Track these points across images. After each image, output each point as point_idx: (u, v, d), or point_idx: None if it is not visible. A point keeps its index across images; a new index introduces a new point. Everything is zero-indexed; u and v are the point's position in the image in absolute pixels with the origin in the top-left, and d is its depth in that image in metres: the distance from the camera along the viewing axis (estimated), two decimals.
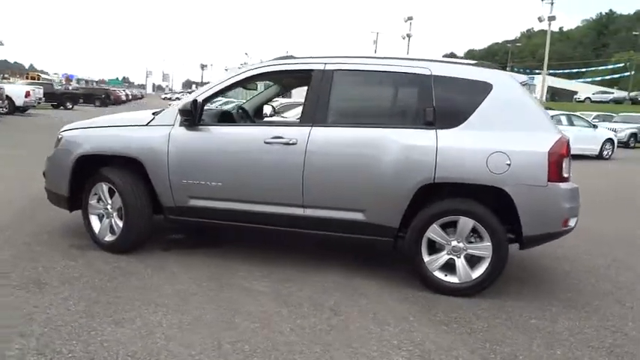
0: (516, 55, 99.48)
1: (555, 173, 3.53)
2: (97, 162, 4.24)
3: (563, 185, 3.57)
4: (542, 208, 3.56)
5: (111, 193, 4.21)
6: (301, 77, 4.18)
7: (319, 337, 2.99)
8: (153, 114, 4.28)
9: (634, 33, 64.65)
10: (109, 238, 4.26)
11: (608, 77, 62.11)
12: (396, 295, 3.67)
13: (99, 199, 4.31)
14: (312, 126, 3.84)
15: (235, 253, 4.38)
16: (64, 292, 3.38)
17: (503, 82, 3.75)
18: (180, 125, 4.05)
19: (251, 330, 3.01)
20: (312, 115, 3.88)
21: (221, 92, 4.17)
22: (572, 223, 3.66)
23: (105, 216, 4.29)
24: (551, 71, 68.93)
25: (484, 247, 3.64)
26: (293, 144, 3.81)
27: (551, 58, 78.78)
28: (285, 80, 5.01)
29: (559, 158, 3.54)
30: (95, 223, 4.35)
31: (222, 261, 4.16)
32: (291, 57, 4.17)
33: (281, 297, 3.54)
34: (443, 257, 3.73)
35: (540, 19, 42.63)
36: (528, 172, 3.53)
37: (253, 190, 3.95)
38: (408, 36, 47.51)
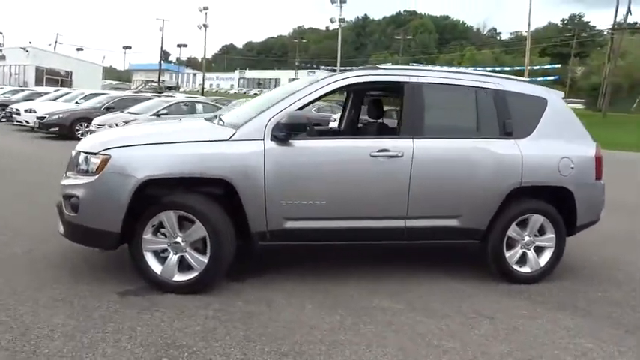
0: (290, 49, 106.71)
1: (599, 173, 4.37)
2: (159, 187, 3.48)
3: (601, 182, 4.43)
4: (591, 202, 4.36)
5: (180, 223, 3.52)
6: (389, 88, 4.13)
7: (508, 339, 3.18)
8: (218, 123, 3.68)
9: (397, 37, 75.35)
10: (180, 276, 3.55)
11: None
12: (504, 290, 4.02)
13: (156, 232, 3.54)
14: (413, 138, 3.89)
15: (312, 272, 4.11)
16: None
17: (553, 97, 4.42)
18: (271, 140, 3.61)
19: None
20: (411, 127, 3.92)
21: (311, 103, 3.84)
22: (603, 213, 4.56)
23: (171, 251, 3.55)
24: (330, 67, 76.30)
25: (549, 239, 4.27)
26: (399, 157, 3.81)
27: (323, 54, 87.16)
28: (367, 91, 4.80)
29: (599, 161, 4.38)
30: (152, 261, 3.56)
31: (316, 283, 3.88)
32: (377, 67, 4.09)
33: (426, 310, 3.54)
34: (518, 251, 4.24)
35: (332, 20, 46.96)
36: (584, 174, 4.28)
37: (359, 205, 3.80)
38: (205, 26, 46.59)
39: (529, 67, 53.41)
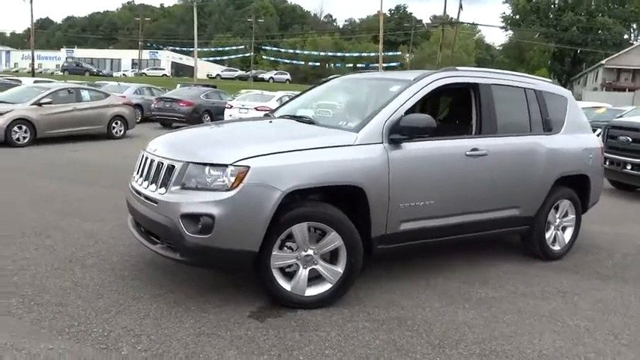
0: (121, 26, 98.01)
1: (603, 160, 5.17)
2: (295, 199, 3.22)
3: (602, 169, 5.25)
4: (597, 186, 5.14)
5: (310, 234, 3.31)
6: (465, 89, 4.27)
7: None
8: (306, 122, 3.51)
9: (248, 20, 73.67)
10: (313, 291, 3.35)
11: (233, 57, 69.84)
12: (547, 267, 4.55)
13: (282, 245, 3.28)
14: (489, 136, 4.17)
15: (405, 270, 4.16)
16: None
17: (569, 94, 5.07)
18: (389, 143, 3.57)
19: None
20: (487, 126, 4.19)
21: (415, 105, 3.84)
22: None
23: (300, 265, 3.32)
24: (171, 48, 72.19)
25: (570, 220, 4.97)
26: (485, 155, 4.06)
27: (156, 33, 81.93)
28: (446, 92, 4.73)
29: (603, 150, 5.19)
30: (280, 278, 3.30)
31: (419, 279, 3.95)
32: (455, 69, 4.22)
33: (524, 295, 3.88)
34: (553, 232, 4.85)
35: None
36: (597, 162, 5.04)
37: (459, 203, 3.97)
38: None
39: (373, 54, 57.70)
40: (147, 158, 3.58)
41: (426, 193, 3.75)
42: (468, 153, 3.97)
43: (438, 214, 3.88)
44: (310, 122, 3.92)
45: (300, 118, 4.08)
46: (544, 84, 4.86)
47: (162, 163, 3.31)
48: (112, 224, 5.05)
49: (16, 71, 52.89)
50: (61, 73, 52.92)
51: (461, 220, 4.03)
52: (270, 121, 4.13)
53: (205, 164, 3.10)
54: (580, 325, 3.39)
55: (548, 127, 4.66)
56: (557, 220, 4.85)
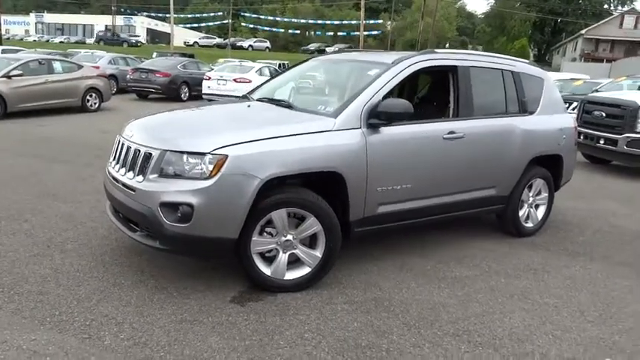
0: None
1: (576, 140, 5.29)
2: (274, 185, 3.24)
3: (575, 148, 5.37)
4: (570, 164, 5.28)
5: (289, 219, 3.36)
6: (443, 72, 4.28)
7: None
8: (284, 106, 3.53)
9: None
10: (292, 275, 3.42)
11: (211, 24, 68.00)
12: (520, 244, 4.71)
13: (262, 231, 3.32)
14: (467, 119, 4.22)
15: (378, 251, 4.25)
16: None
17: (545, 75, 5.13)
18: (367, 128, 3.59)
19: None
20: (464, 109, 4.24)
21: (392, 90, 3.84)
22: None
23: (280, 250, 3.37)
24: (146, 14, 69.95)
25: (543, 198, 5.11)
26: (462, 137, 4.12)
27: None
28: (424, 75, 4.71)
29: (576, 129, 5.30)
30: (260, 263, 3.35)
31: (393, 260, 4.06)
32: (434, 52, 4.22)
33: (498, 273, 4.02)
34: (526, 210, 4.98)
35: None
36: (570, 142, 5.16)
37: (436, 185, 4.05)
38: None
39: (354, 22, 56.82)
40: (123, 144, 3.54)
41: (404, 177, 3.82)
42: (445, 136, 4.02)
43: (416, 197, 3.95)
44: (289, 106, 3.91)
45: (278, 102, 4.07)
46: (522, 65, 4.91)
47: (139, 151, 3.29)
48: (90, 206, 5.02)
49: None
50: (35, 39, 50.85)
51: (438, 201, 4.12)
52: (249, 105, 4.10)
53: (183, 152, 3.09)
54: (549, 303, 3.54)
55: (524, 108, 4.74)
56: (531, 199, 4.99)
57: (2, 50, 19.51)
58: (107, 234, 4.29)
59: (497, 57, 4.77)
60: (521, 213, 4.90)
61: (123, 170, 3.42)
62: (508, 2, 62.59)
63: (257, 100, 4.31)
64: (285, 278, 3.41)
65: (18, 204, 4.98)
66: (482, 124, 4.35)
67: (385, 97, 3.71)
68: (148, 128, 3.57)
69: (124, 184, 3.35)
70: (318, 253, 3.44)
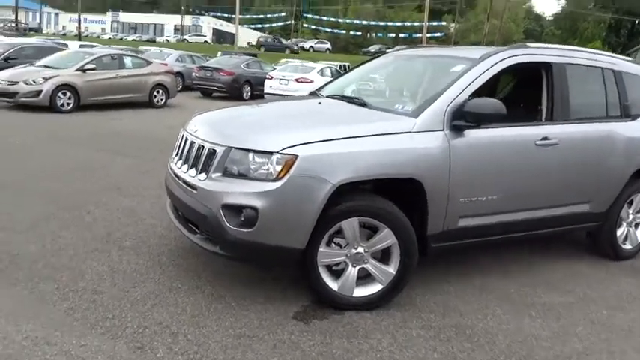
0: None
1: None
2: (346, 192, 2.91)
3: None
4: None
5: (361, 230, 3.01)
6: (535, 69, 3.81)
7: None
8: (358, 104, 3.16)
9: None
10: (361, 291, 3.07)
11: (274, 25, 69.05)
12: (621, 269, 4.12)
13: (330, 241, 2.99)
14: (562, 123, 3.72)
15: (456, 271, 3.83)
16: None
17: None
18: (451, 130, 3.19)
19: None
20: (559, 112, 3.73)
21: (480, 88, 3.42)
22: None
23: (349, 263, 3.03)
24: (212, 14, 71.92)
25: None
26: (556, 144, 3.62)
27: None
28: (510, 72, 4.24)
29: None
30: (326, 276, 3.03)
31: (471, 280, 3.63)
32: (527, 46, 3.75)
33: (595, 301, 3.50)
34: (624, 230, 4.37)
35: None
36: None
37: (524, 198, 3.58)
38: None
39: (416, 24, 55.72)
40: (187, 139, 3.33)
41: (490, 187, 3.38)
42: (537, 142, 3.54)
43: (501, 210, 3.50)
44: (362, 104, 3.56)
45: (351, 99, 3.72)
46: (625, 64, 4.30)
47: (203, 147, 3.05)
48: (151, 201, 4.90)
49: (64, 34, 53.80)
50: (110, 37, 52.97)
51: (525, 216, 3.64)
52: (320, 102, 3.79)
53: (249, 150, 2.82)
54: None
55: (627, 112, 4.14)
56: (631, 217, 4.37)
57: (80, 47, 20.44)
58: (166, 232, 4.12)
59: (597, 53, 4.21)
60: (618, 232, 4.30)
61: (185, 167, 3.20)
62: (581, 2, 59.17)
63: (327, 97, 3.99)
64: (354, 295, 3.06)
65: (83, 195, 4.95)
66: (580, 129, 3.82)
67: (472, 96, 3.29)
68: (213, 124, 3.34)
69: (185, 182, 3.13)
70: (392, 269, 3.07)
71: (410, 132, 3.07)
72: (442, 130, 3.15)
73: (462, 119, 3.18)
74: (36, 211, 4.40)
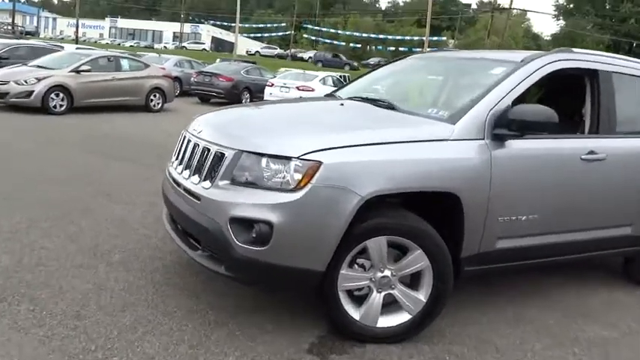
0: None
1: None
2: (373, 206, 2.50)
3: None
4: None
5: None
6: (579, 77, 3.44)
7: None
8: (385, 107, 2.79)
9: None
10: (387, 321, 2.66)
11: (274, 34, 69.08)
12: None
13: (352, 263, 2.58)
14: (609, 137, 3.35)
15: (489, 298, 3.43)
16: None
17: None
18: (492, 139, 2.80)
19: None
20: (606, 124, 3.37)
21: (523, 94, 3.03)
22: None
23: (374, 288, 2.62)
24: (212, 22, 71.85)
25: None
26: (603, 159, 3.25)
27: (199, 6, 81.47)
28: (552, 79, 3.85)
29: None
30: (347, 303, 2.61)
31: (505, 309, 3.22)
32: (572, 51, 3.38)
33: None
34: None
35: None
36: None
37: (566, 218, 3.18)
38: None
39: (416, 38, 55.86)
40: (189, 141, 2.92)
41: (531, 204, 2.98)
42: (583, 157, 3.16)
43: (541, 231, 3.10)
44: (390, 107, 3.17)
45: (376, 102, 3.33)
46: None
47: (209, 149, 2.64)
48: (143, 209, 4.47)
49: (62, 39, 53.36)
50: (107, 42, 52.29)
51: (565, 238, 3.24)
52: (342, 104, 3.39)
53: (263, 155, 2.42)
54: None
55: None
56: None
57: (76, 49, 20.01)
58: (160, 245, 3.69)
59: None
60: None
61: (187, 172, 2.79)
62: (579, 23, 59.51)
63: (348, 99, 3.59)
64: (377, 325, 2.65)
65: (70, 202, 4.51)
66: (628, 144, 3.45)
67: (514, 102, 2.91)
68: (221, 124, 2.93)
69: (186, 190, 2.72)
70: (422, 297, 2.66)
71: (448, 139, 2.68)
72: (483, 139, 2.77)
73: (504, 127, 2.80)
74: (15, 218, 3.96)
